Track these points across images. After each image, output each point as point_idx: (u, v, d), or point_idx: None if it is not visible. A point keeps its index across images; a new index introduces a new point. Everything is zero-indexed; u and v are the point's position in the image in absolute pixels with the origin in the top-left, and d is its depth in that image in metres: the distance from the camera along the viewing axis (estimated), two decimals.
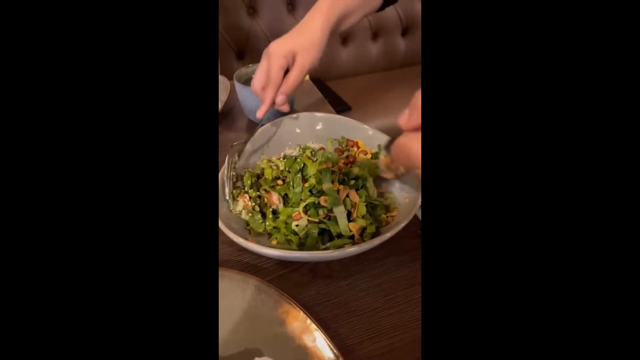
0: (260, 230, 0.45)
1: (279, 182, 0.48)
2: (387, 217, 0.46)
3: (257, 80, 0.53)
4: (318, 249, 0.42)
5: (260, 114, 0.53)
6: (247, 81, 0.70)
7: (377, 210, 0.46)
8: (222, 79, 0.75)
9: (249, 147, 0.54)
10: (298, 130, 0.59)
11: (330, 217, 0.43)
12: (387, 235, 0.39)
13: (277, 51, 0.51)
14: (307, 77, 0.68)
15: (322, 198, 0.43)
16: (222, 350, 0.33)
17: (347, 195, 0.45)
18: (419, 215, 0.46)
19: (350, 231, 0.43)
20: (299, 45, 0.51)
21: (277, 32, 1.34)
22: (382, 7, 0.61)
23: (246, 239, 0.40)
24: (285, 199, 0.46)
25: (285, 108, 0.53)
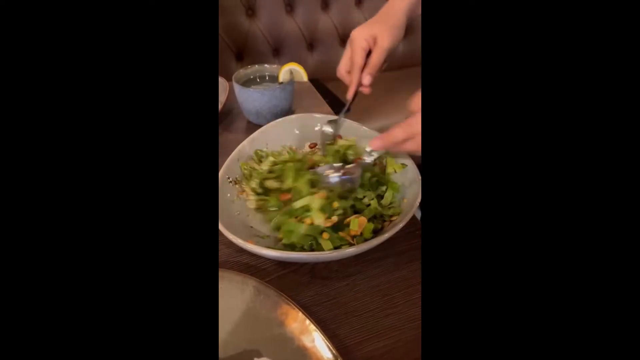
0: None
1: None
2: (388, 219, 0.46)
3: (342, 66, 0.56)
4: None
5: (349, 95, 0.56)
6: (246, 82, 0.70)
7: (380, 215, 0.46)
8: (221, 80, 0.75)
9: (247, 147, 0.54)
10: (297, 132, 0.59)
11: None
12: (385, 236, 0.39)
13: (358, 36, 0.53)
14: (306, 78, 0.68)
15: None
16: (221, 352, 0.33)
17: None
18: (418, 216, 0.47)
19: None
20: (379, 29, 0.53)
21: (276, 33, 1.35)
22: None
23: (245, 240, 0.40)
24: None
25: (368, 90, 0.56)
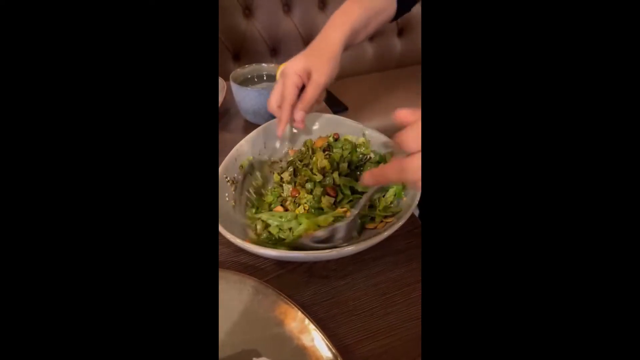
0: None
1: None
2: (384, 219, 0.46)
3: (273, 100, 0.53)
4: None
5: (279, 132, 0.53)
6: (243, 82, 0.70)
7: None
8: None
9: (245, 147, 0.54)
10: (294, 131, 0.59)
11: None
12: (384, 234, 0.39)
13: (290, 70, 0.51)
14: None
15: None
16: (220, 352, 0.33)
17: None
18: (416, 214, 0.46)
19: None
20: (313, 63, 0.51)
21: (273, 33, 1.35)
22: (396, 17, 0.60)
23: (243, 239, 0.40)
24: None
25: (302, 125, 0.52)
